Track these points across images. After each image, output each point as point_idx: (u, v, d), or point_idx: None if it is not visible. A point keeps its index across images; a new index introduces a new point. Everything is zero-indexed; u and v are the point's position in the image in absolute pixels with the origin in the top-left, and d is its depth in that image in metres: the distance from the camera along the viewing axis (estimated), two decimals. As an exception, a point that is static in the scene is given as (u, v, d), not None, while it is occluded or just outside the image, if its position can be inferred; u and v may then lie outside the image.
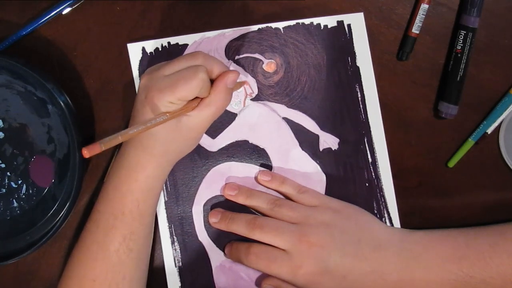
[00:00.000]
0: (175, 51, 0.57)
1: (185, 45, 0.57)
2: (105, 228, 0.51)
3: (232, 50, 0.57)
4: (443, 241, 0.53)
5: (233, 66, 0.57)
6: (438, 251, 0.52)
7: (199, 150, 0.57)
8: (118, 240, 0.50)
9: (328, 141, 0.57)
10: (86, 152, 0.41)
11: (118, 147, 0.55)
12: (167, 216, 0.57)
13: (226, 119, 0.57)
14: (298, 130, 0.57)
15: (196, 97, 0.48)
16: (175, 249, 0.57)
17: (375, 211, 0.57)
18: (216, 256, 0.57)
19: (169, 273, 0.57)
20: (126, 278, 0.51)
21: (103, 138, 0.42)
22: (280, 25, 0.57)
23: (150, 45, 0.57)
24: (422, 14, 0.57)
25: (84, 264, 0.51)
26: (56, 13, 0.56)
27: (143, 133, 0.46)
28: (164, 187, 0.57)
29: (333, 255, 0.51)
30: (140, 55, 0.57)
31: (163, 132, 0.49)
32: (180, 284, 0.57)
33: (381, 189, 0.57)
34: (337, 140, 0.58)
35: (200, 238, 0.57)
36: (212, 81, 0.49)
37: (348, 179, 0.57)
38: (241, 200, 0.56)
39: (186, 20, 0.58)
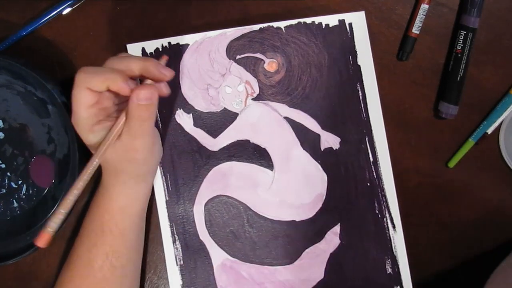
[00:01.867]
0: (176, 51, 0.57)
1: (186, 45, 0.57)
2: (88, 245, 0.50)
3: (234, 49, 0.57)
4: None
5: (234, 66, 0.57)
6: None
7: (200, 150, 0.57)
8: (101, 257, 0.50)
9: (330, 140, 0.57)
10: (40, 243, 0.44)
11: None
12: (168, 215, 0.57)
13: (227, 118, 0.57)
14: (299, 130, 0.57)
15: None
16: (177, 248, 0.57)
17: (376, 211, 0.57)
18: (217, 254, 0.57)
19: (170, 271, 0.56)
20: None
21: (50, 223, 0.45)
22: (282, 24, 0.57)
23: (150, 46, 0.57)
24: (422, 14, 0.57)
25: (72, 281, 0.51)
26: (56, 13, 0.56)
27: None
28: (165, 187, 0.57)
29: None
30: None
31: (109, 157, 0.47)
32: (181, 283, 0.57)
33: (382, 189, 0.57)
34: (338, 139, 0.58)
35: (201, 237, 0.57)
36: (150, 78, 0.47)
37: (349, 179, 0.57)
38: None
39: (186, 20, 0.58)
